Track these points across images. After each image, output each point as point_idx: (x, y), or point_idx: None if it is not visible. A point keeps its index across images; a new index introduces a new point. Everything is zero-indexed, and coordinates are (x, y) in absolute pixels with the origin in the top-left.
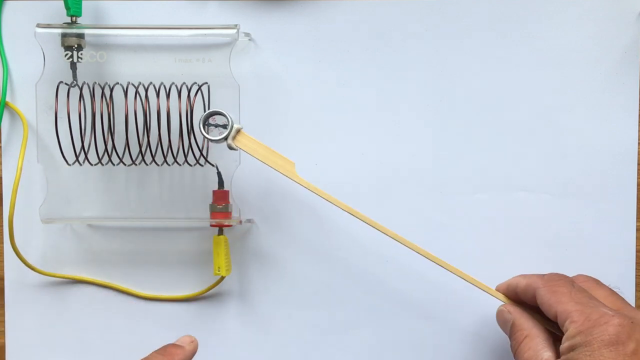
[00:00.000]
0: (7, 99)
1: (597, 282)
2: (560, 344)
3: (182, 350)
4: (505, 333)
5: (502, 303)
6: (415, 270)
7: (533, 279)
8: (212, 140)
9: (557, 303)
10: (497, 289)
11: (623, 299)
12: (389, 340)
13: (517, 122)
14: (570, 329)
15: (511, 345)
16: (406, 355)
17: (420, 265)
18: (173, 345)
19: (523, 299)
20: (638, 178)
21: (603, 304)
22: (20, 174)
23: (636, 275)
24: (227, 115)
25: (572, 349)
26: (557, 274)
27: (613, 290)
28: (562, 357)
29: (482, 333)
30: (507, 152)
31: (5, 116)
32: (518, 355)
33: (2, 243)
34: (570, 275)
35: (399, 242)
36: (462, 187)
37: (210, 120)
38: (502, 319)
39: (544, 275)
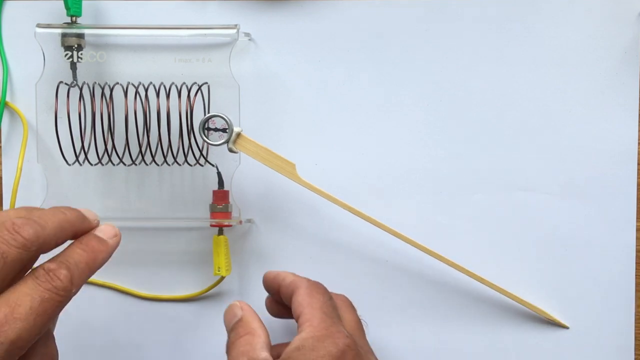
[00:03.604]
0: (7, 99)
1: (351, 307)
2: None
3: (106, 247)
4: (226, 325)
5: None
6: (415, 269)
7: (299, 279)
8: (212, 145)
9: (308, 305)
10: (266, 276)
11: (362, 331)
12: (389, 340)
13: (517, 122)
14: (306, 331)
15: (228, 338)
16: (406, 356)
17: (421, 265)
18: (95, 237)
19: (278, 292)
20: (638, 178)
21: (343, 325)
22: (20, 174)
23: (636, 275)
24: (227, 119)
25: (298, 349)
26: (318, 283)
27: (360, 320)
28: (284, 354)
29: (482, 332)
30: (507, 152)
31: (5, 116)
32: (233, 348)
33: None
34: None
35: (400, 239)
36: (462, 187)
37: (210, 124)
38: (231, 314)
39: (307, 280)
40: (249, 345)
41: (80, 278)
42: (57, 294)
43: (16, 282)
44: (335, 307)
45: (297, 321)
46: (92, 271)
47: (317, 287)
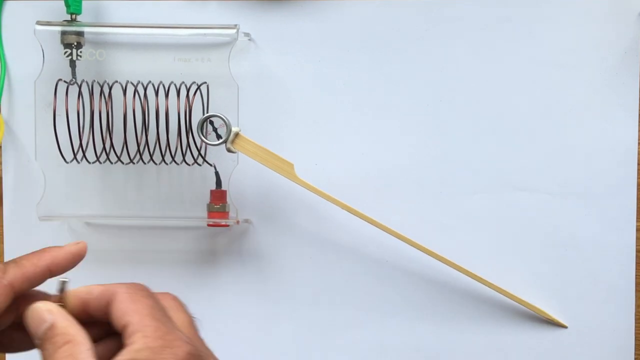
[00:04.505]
0: (6, 97)
1: (181, 306)
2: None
3: (60, 250)
4: (34, 333)
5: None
6: (415, 269)
7: (113, 286)
8: (211, 145)
9: (134, 312)
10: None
11: (197, 331)
12: (389, 340)
13: (517, 122)
14: (139, 342)
15: (43, 351)
16: (406, 356)
17: (420, 265)
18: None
19: (91, 307)
20: (638, 178)
21: (179, 329)
22: None
23: (636, 275)
24: (225, 119)
25: None
26: (139, 284)
27: (193, 319)
28: None
29: (482, 331)
30: (507, 152)
31: (4, 116)
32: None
33: (2, 243)
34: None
35: (400, 239)
36: (462, 187)
37: (208, 124)
38: (37, 319)
39: (124, 283)
40: (72, 356)
41: (18, 274)
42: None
43: None
44: (164, 308)
45: (122, 334)
46: (40, 270)
47: (140, 290)
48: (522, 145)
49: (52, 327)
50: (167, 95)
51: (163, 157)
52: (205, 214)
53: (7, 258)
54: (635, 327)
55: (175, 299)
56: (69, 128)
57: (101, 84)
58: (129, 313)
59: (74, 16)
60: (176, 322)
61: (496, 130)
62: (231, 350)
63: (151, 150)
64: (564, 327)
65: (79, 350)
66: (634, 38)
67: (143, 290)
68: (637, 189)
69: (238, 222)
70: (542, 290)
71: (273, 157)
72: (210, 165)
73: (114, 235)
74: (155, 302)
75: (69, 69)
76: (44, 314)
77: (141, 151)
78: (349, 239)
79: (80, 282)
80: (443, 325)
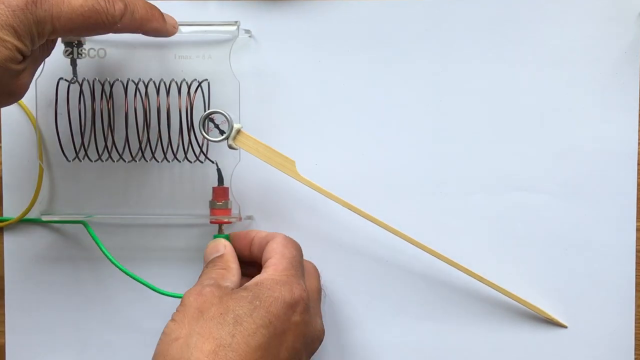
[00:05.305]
0: None
1: (316, 275)
2: None
3: (162, 24)
4: (206, 257)
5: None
6: (415, 269)
7: (276, 233)
8: (212, 141)
9: (279, 253)
10: (236, 234)
11: (319, 297)
12: (389, 340)
13: (517, 122)
14: (268, 272)
15: (205, 267)
16: (406, 355)
17: (421, 264)
18: (162, 14)
19: (247, 248)
20: (638, 178)
21: (304, 281)
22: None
23: (636, 275)
24: (227, 115)
25: (257, 284)
26: (297, 242)
27: (321, 289)
28: (244, 285)
29: (482, 331)
30: (507, 151)
31: (5, 115)
32: (204, 273)
33: (2, 243)
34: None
35: (400, 237)
36: (462, 187)
37: (210, 120)
38: (214, 248)
39: (284, 236)
40: (220, 275)
41: (129, 23)
42: (106, 15)
43: None
44: (303, 265)
45: (263, 265)
46: (138, 27)
47: (293, 243)
48: (522, 145)
49: (220, 256)
50: (168, 92)
51: (165, 154)
52: (207, 211)
53: (7, 258)
54: (635, 327)
55: (313, 267)
56: (71, 127)
57: (102, 82)
58: (276, 252)
59: None
60: (306, 281)
61: (496, 130)
62: None
63: (153, 148)
64: (564, 327)
65: (227, 275)
66: (634, 38)
67: (295, 244)
68: (637, 189)
69: (240, 219)
70: (542, 290)
71: (275, 154)
72: (212, 162)
73: (115, 233)
74: (299, 256)
75: (70, 68)
76: (220, 246)
77: (143, 149)
78: (349, 237)
79: (82, 280)
80: (443, 325)
